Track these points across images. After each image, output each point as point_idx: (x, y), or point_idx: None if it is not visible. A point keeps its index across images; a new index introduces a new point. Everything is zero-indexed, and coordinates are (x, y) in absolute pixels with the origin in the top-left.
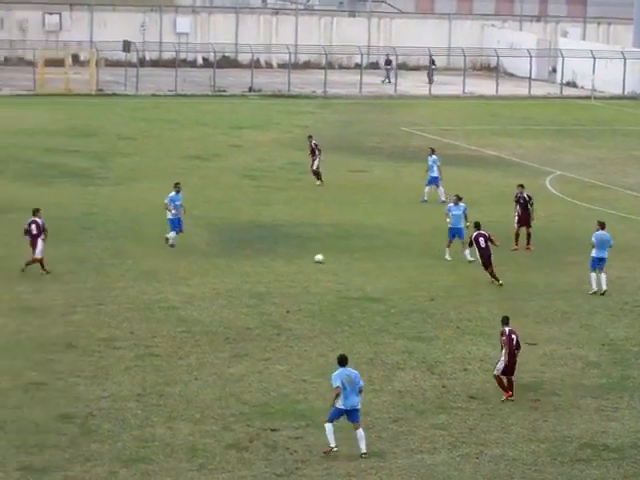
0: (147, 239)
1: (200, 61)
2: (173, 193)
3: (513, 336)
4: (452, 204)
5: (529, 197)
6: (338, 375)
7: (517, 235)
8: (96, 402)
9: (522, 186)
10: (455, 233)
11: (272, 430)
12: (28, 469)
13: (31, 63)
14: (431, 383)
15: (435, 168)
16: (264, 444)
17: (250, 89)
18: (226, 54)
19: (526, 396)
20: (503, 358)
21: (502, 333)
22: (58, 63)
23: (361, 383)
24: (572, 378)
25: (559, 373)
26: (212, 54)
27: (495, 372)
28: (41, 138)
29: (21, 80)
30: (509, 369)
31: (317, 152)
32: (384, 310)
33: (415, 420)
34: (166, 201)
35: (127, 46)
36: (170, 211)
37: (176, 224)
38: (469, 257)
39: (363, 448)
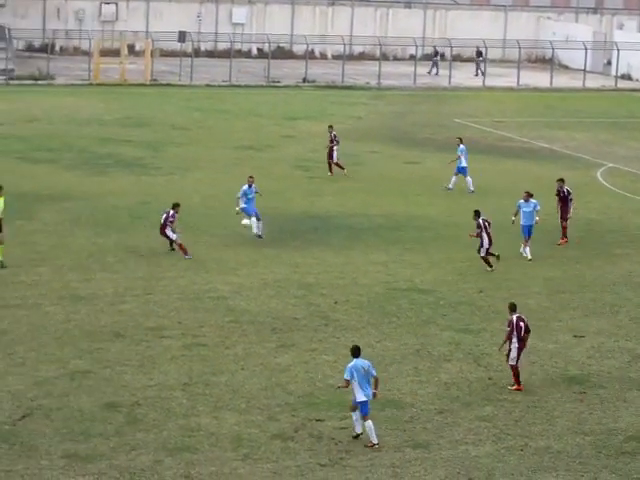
0: (198, 229)
1: (255, 52)
2: (246, 186)
3: (521, 324)
4: (522, 201)
5: (568, 192)
6: (351, 367)
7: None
8: (142, 391)
9: (562, 180)
10: (526, 229)
11: (317, 420)
12: (73, 457)
13: (87, 53)
14: (477, 375)
15: (462, 158)
16: (309, 434)
17: (304, 80)
18: (281, 45)
19: (572, 388)
20: (514, 346)
21: (509, 323)
22: (114, 53)
23: (374, 373)
24: (619, 371)
25: (606, 366)
26: (267, 45)
27: (511, 362)
28: (95, 127)
29: (76, 70)
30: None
31: (335, 143)
32: (432, 302)
33: (460, 412)
34: (238, 195)
35: (182, 36)
36: (238, 206)
37: (251, 212)
38: (528, 255)
39: (374, 439)
